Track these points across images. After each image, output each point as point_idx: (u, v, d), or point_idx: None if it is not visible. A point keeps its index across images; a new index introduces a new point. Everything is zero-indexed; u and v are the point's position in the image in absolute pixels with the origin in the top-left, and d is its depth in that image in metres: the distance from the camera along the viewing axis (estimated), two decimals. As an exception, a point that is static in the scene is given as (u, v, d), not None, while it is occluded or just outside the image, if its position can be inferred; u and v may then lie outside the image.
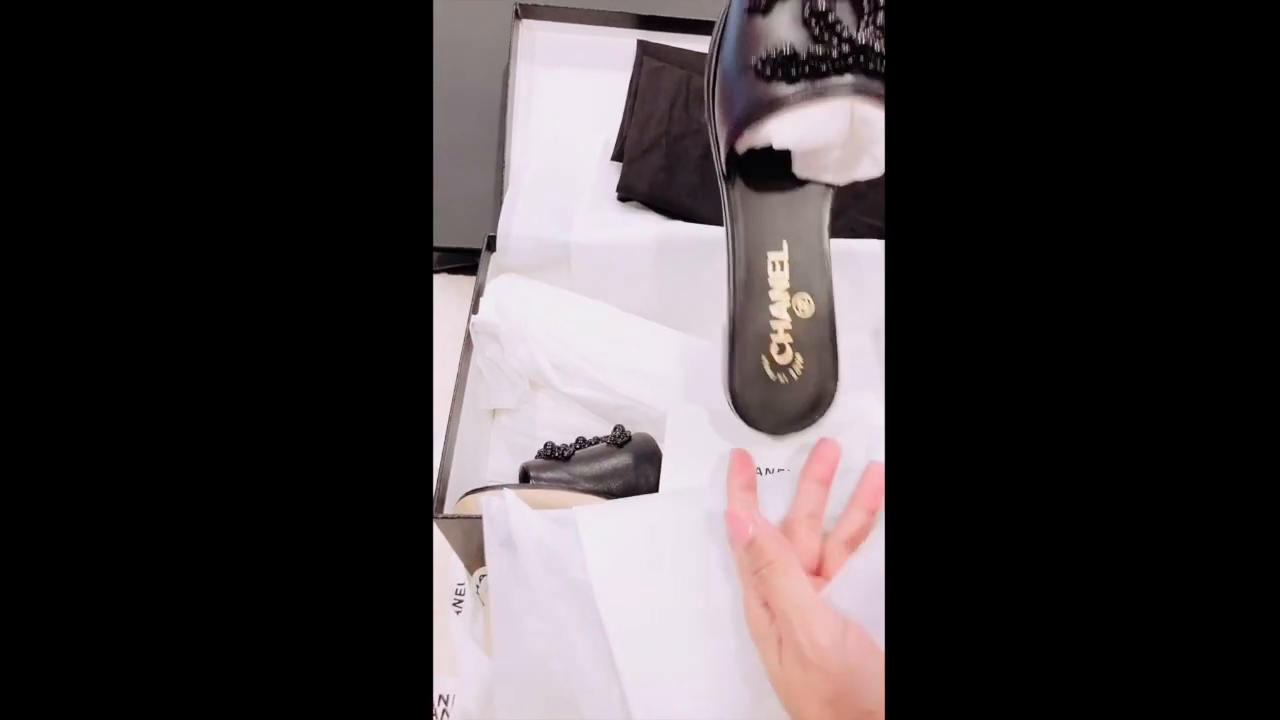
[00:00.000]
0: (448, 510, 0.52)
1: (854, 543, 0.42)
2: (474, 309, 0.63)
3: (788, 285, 0.42)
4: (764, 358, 0.41)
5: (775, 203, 0.42)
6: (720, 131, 0.41)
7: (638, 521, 0.46)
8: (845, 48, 0.37)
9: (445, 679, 0.56)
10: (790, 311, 0.41)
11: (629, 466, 0.58)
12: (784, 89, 0.37)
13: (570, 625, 0.46)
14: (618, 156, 0.73)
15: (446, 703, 0.55)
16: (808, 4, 0.37)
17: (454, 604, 0.59)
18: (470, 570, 0.58)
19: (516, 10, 0.73)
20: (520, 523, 0.46)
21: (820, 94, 0.37)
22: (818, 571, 0.42)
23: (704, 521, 0.46)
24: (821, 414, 0.42)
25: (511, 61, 0.72)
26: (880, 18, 0.37)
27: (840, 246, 0.66)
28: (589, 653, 0.45)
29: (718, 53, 0.42)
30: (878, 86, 0.37)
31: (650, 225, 0.69)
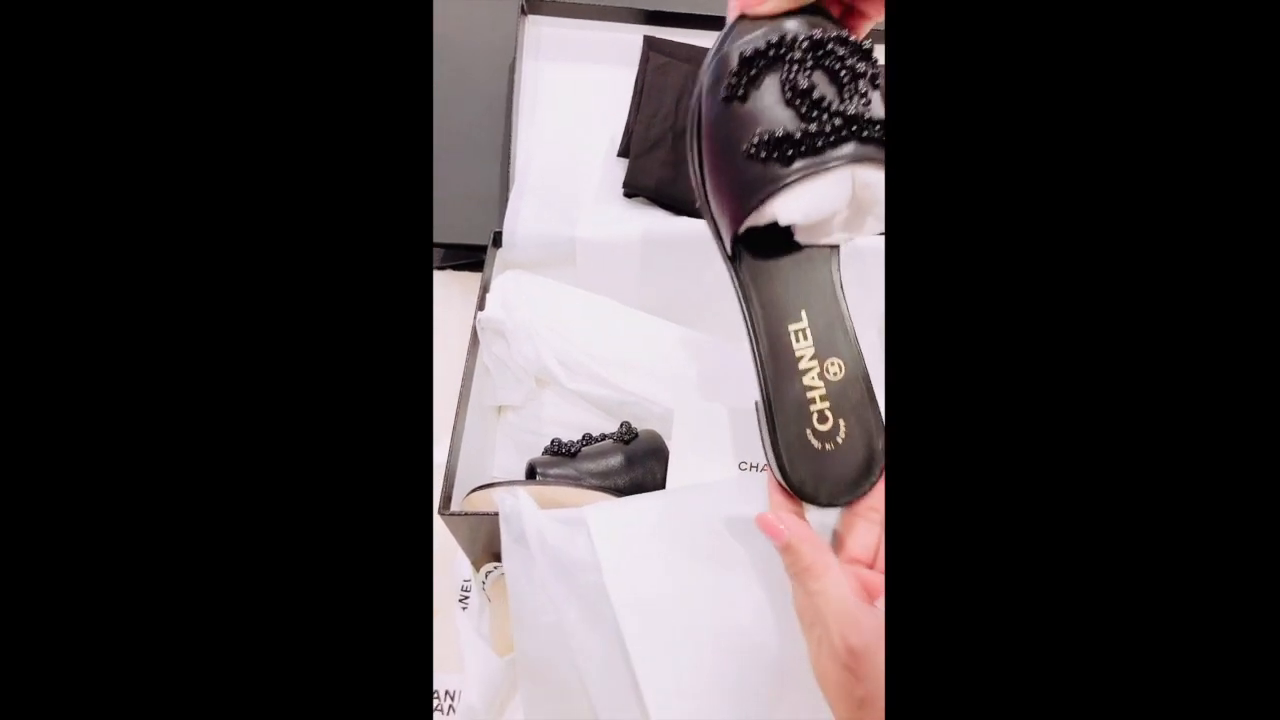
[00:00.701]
0: (455, 507, 0.52)
1: None
2: (480, 305, 0.63)
3: (814, 352, 0.41)
4: (807, 430, 0.40)
5: (785, 274, 0.42)
6: (720, 219, 0.41)
7: (647, 519, 0.46)
8: (838, 120, 0.37)
9: (451, 675, 0.56)
10: (822, 378, 0.41)
11: (635, 463, 0.58)
12: (782, 169, 0.37)
13: (579, 623, 0.46)
14: (623, 152, 0.72)
15: (453, 698, 0.55)
16: (788, 85, 0.37)
17: (460, 600, 0.59)
18: (476, 567, 0.58)
19: (522, 6, 0.73)
20: (531, 524, 0.46)
21: (821, 168, 0.37)
22: (872, 564, 0.41)
23: (714, 517, 0.46)
24: (878, 474, 0.41)
25: (517, 57, 0.72)
26: (862, 84, 0.37)
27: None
28: (601, 651, 0.45)
29: (699, 143, 0.42)
30: (875, 151, 0.37)
31: (656, 221, 0.69)
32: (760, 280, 0.41)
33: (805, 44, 0.37)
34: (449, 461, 0.53)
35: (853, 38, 0.38)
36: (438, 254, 0.78)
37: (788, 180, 0.37)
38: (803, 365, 0.41)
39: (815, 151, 0.37)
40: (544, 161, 0.72)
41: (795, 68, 0.37)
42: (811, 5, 0.39)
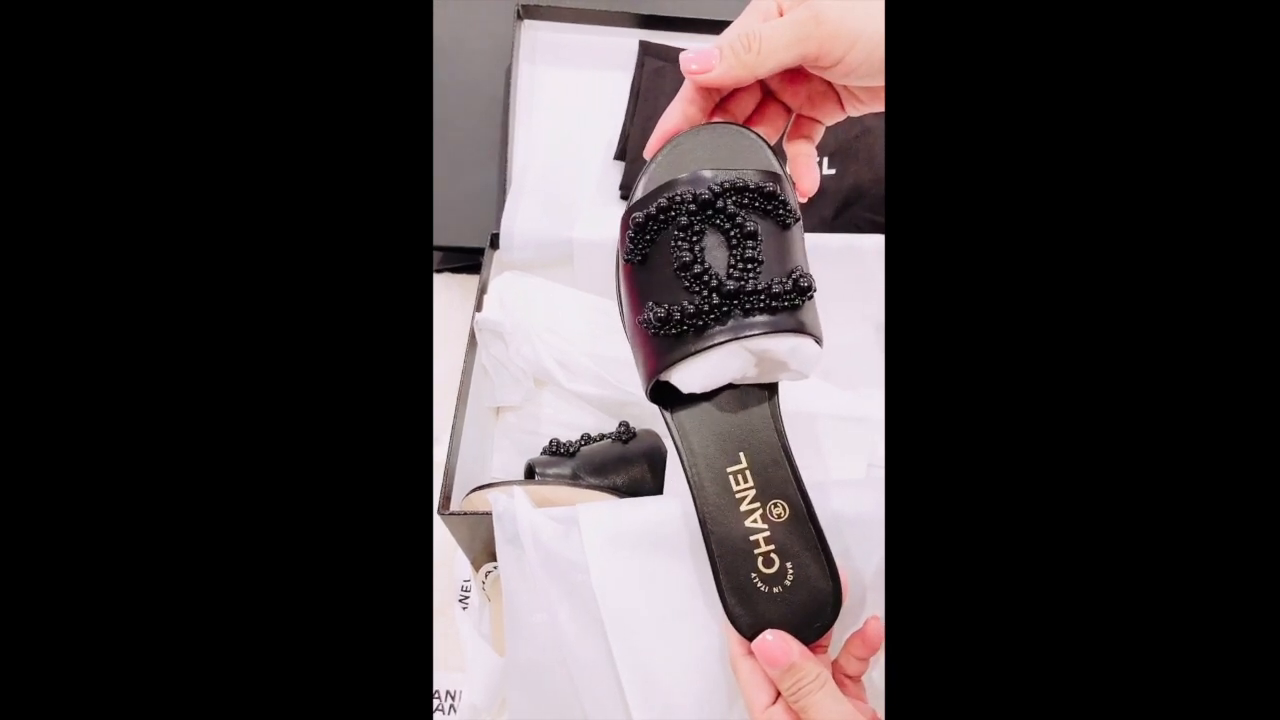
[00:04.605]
0: (454, 506, 0.53)
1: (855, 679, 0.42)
2: (478, 307, 0.64)
3: (756, 494, 0.39)
4: (753, 574, 0.38)
5: (719, 415, 0.39)
6: (639, 369, 0.40)
7: (639, 521, 0.47)
8: (715, 298, 0.36)
9: (453, 675, 0.56)
10: (766, 520, 0.39)
11: (634, 462, 0.58)
12: (671, 346, 0.37)
13: (572, 624, 0.46)
14: (620, 155, 0.73)
15: (454, 698, 0.56)
16: (674, 257, 0.36)
17: (460, 600, 0.59)
18: (476, 567, 0.58)
19: (518, 11, 0.73)
20: (525, 523, 0.46)
21: (706, 346, 0.36)
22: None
23: None
24: (829, 619, 0.39)
25: (513, 62, 0.73)
26: (750, 247, 0.36)
27: (843, 241, 0.66)
28: (590, 650, 0.46)
29: (619, 298, 0.41)
30: (764, 320, 0.36)
31: (652, 223, 0.69)
32: (692, 423, 0.40)
33: (692, 206, 0.36)
34: (448, 462, 0.53)
35: (753, 180, 0.37)
36: (436, 256, 0.78)
37: (676, 358, 0.37)
38: (744, 507, 0.39)
39: (698, 331, 0.36)
40: (541, 164, 0.72)
41: (681, 235, 0.37)
42: (731, 124, 0.39)
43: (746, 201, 0.37)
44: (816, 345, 0.38)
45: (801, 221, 0.39)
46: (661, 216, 0.37)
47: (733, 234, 0.36)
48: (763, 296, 0.36)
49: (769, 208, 0.37)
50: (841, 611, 0.39)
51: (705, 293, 0.36)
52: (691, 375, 0.38)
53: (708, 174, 0.37)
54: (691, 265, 0.36)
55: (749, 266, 0.36)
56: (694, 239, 0.37)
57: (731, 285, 0.36)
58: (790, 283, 0.36)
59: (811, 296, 0.37)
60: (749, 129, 0.39)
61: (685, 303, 0.36)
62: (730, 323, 0.36)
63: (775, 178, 0.38)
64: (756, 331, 0.36)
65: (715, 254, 0.37)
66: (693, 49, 0.38)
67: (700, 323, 0.36)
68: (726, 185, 0.37)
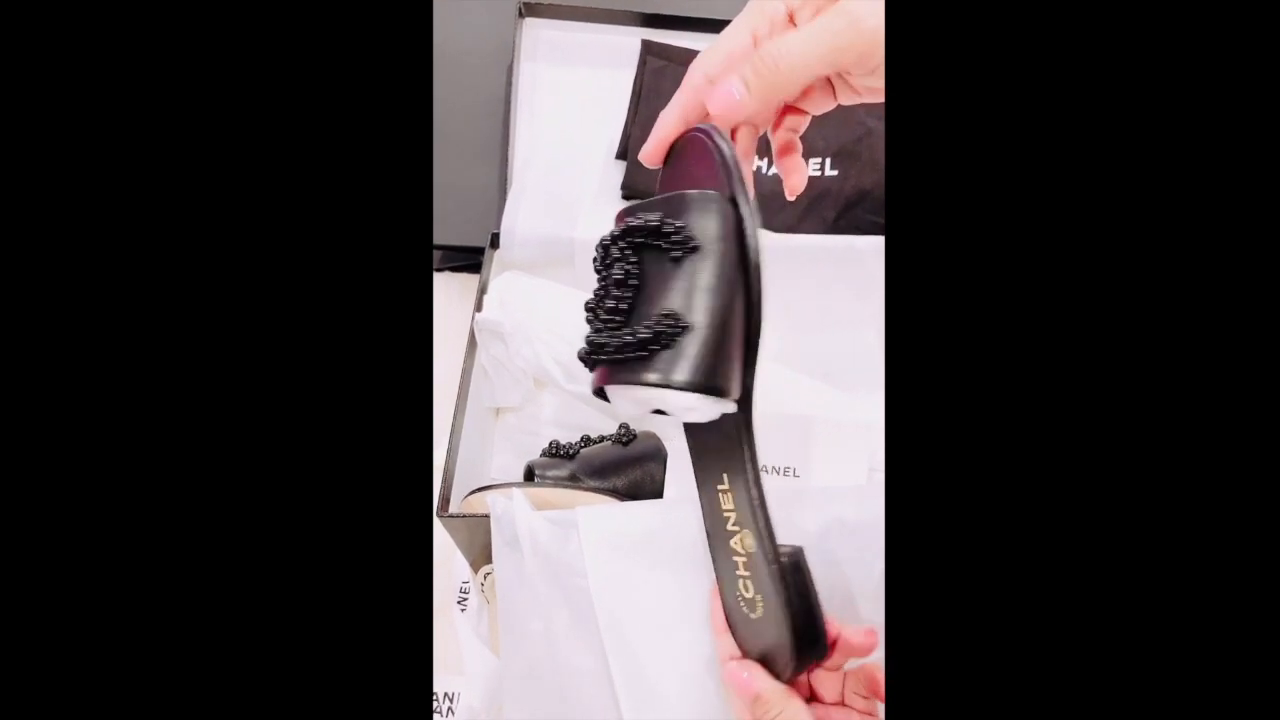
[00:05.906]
0: (453, 509, 0.52)
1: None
2: (478, 307, 0.63)
3: (736, 518, 0.38)
4: (737, 594, 0.38)
5: (704, 437, 0.39)
6: None
7: (639, 525, 0.46)
8: (588, 347, 0.36)
9: (451, 677, 0.56)
10: (743, 545, 0.38)
11: (634, 464, 0.58)
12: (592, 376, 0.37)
13: (569, 628, 0.46)
14: (622, 155, 0.73)
15: (452, 700, 0.55)
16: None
17: (459, 602, 0.59)
18: (475, 568, 0.58)
19: (520, 9, 0.73)
20: (524, 525, 0.46)
21: (601, 385, 0.36)
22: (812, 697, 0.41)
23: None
24: (788, 668, 0.37)
25: (515, 60, 0.73)
26: (609, 302, 0.35)
27: (843, 243, 0.66)
28: (586, 655, 0.45)
29: None
30: (624, 372, 0.34)
31: (654, 223, 0.69)
32: (692, 434, 0.39)
33: (598, 253, 0.36)
34: (447, 463, 0.53)
35: (645, 218, 0.34)
36: (436, 256, 0.78)
37: (594, 389, 0.37)
38: (729, 527, 0.38)
39: (591, 369, 0.36)
40: (542, 163, 0.72)
41: (598, 279, 0.37)
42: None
43: (640, 241, 0.35)
44: (681, 393, 0.33)
45: (707, 249, 0.34)
46: (595, 257, 0.37)
47: (610, 283, 0.36)
48: (607, 351, 0.34)
49: (661, 244, 0.34)
50: (843, 618, 0.39)
51: (585, 340, 0.36)
52: (619, 405, 0.37)
53: (639, 213, 0.36)
54: (588, 305, 0.36)
55: (608, 320, 0.35)
56: (601, 282, 0.36)
57: (589, 333, 0.36)
58: (630, 336, 0.33)
59: (661, 347, 0.33)
60: (718, 134, 0.36)
61: (580, 348, 0.36)
62: (592, 376, 0.36)
63: (706, 200, 0.34)
64: (620, 377, 0.35)
65: (609, 300, 0.36)
66: (714, 94, 0.35)
67: (589, 365, 0.36)
68: (623, 228, 0.35)
